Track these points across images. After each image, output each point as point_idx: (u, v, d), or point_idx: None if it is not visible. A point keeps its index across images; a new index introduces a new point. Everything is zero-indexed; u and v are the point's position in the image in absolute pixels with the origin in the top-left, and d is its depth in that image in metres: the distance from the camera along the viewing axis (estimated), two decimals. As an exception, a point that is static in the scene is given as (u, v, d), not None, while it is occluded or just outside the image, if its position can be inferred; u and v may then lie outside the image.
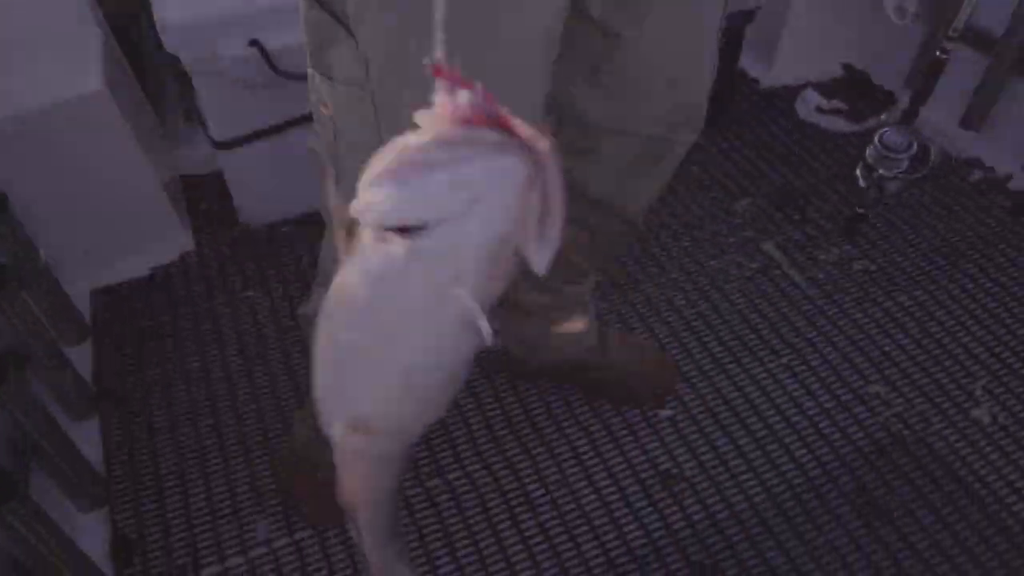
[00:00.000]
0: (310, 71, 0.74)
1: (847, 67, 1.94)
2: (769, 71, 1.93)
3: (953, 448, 1.28)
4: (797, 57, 1.91)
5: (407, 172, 0.36)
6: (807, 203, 1.66)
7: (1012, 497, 1.22)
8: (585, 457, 1.28)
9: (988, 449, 1.28)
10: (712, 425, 1.31)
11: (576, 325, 1.23)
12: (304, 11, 0.70)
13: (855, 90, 1.89)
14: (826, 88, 1.90)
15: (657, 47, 0.86)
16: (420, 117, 0.36)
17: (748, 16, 1.66)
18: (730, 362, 1.40)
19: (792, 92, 1.90)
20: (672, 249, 1.58)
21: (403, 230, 0.37)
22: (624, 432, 1.30)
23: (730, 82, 1.79)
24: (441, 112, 0.36)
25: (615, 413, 1.33)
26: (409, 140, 0.36)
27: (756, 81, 1.94)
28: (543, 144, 0.36)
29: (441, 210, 0.37)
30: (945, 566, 1.15)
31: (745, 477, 1.25)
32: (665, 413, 1.33)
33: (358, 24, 0.65)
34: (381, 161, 0.36)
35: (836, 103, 1.85)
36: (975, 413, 1.32)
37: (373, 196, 0.36)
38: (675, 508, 1.22)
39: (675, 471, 1.26)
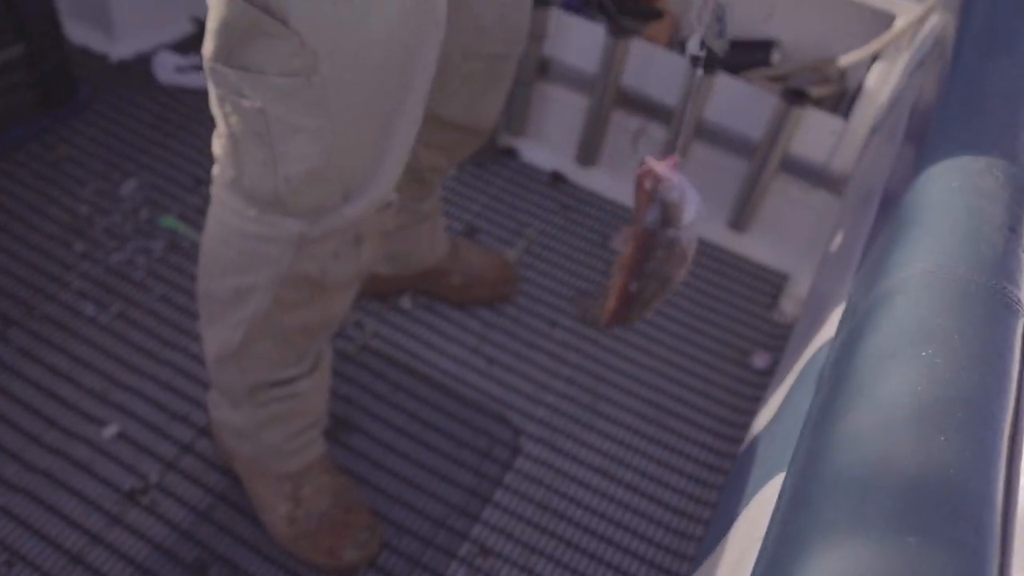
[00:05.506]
0: (217, 67, 0.74)
1: (198, 21, 1.91)
2: (115, 43, 1.80)
3: (395, 344, 1.40)
4: (139, 23, 1.81)
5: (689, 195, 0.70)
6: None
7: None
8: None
9: (410, 327, 1.42)
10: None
11: (432, 234, 1.37)
12: (224, 5, 0.70)
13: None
14: (181, 46, 1.85)
15: None
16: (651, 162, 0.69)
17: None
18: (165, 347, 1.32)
19: (146, 59, 1.81)
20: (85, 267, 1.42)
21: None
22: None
23: (64, 62, 1.62)
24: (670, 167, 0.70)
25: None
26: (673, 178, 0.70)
27: (105, 57, 1.80)
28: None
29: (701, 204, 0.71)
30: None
31: (213, 456, 1.21)
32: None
33: (306, 21, 0.69)
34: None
35: (195, 59, 1.81)
36: (402, 303, 1.46)
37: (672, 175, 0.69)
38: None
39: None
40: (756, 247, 1.65)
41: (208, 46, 0.74)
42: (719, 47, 0.70)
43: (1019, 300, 0.54)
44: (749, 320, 1.54)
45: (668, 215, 0.70)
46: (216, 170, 0.88)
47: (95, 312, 1.36)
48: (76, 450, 1.20)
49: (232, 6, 0.69)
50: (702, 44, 0.70)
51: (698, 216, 0.71)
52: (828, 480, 0.44)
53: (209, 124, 1.64)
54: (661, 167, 0.69)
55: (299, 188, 0.81)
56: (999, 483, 0.44)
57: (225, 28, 0.71)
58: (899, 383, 0.47)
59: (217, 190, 0.89)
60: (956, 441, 0.44)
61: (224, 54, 0.73)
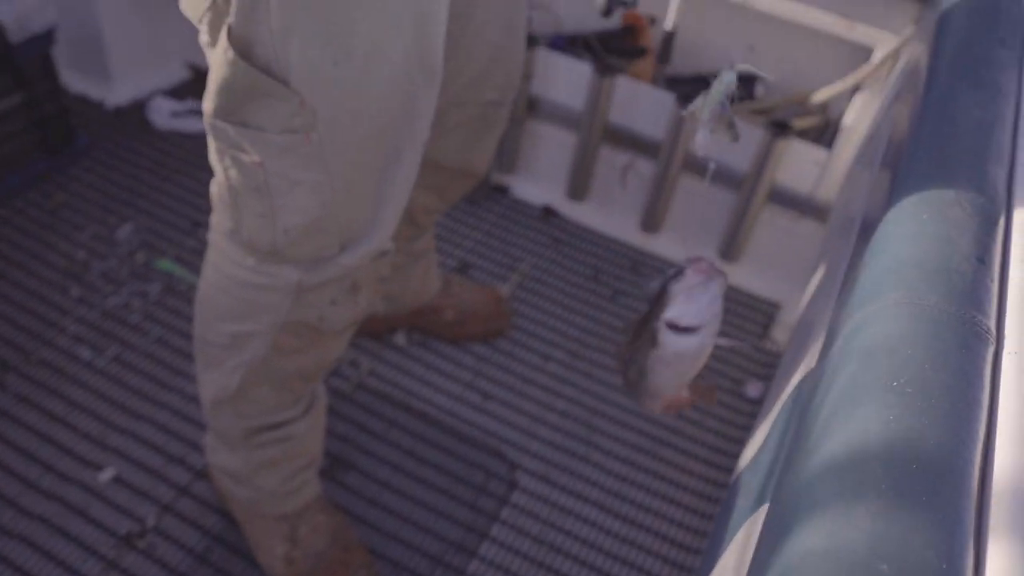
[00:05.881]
0: (217, 123, 0.75)
1: (192, 66, 1.94)
2: (111, 90, 1.84)
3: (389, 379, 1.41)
4: (134, 69, 1.85)
5: (696, 298, 0.68)
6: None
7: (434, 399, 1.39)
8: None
9: (405, 363, 1.43)
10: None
11: (425, 272, 1.39)
12: (226, 66, 0.71)
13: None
14: (176, 91, 1.88)
15: (489, 23, 1.01)
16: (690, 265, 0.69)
17: (45, 40, 1.54)
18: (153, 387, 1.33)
19: (142, 105, 1.84)
20: (80, 310, 1.43)
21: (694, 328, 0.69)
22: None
23: (62, 111, 1.65)
24: (694, 268, 0.68)
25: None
26: (683, 284, 0.68)
27: (101, 104, 1.83)
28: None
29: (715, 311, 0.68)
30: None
31: (209, 497, 1.21)
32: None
33: (307, 81, 0.70)
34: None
35: (191, 104, 1.85)
36: (397, 339, 1.47)
37: (684, 312, 0.68)
38: (147, 566, 1.13)
39: (136, 529, 1.17)
40: (747, 277, 1.66)
41: (209, 104, 0.75)
42: (731, 136, 0.69)
43: (989, 329, 0.55)
44: (742, 349, 1.55)
45: (660, 303, 0.68)
46: (214, 219, 0.89)
47: (91, 356, 1.37)
48: (72, 495, 1.20)
49: (234, 67, 0.70)
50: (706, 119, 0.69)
51: (689, 319, 0.67)
52: (804, 511, 0.45)
53: (205, 167, 1.67)
54: (698, 263, 0.68)
55: (297, 239, 0.82)
56: (971, 511, 0.45)
57: (226, 88, 0.72)
58: (872, 413, 0.48)
59: (215, 238, 0.90)
60: (928, 469, 0.45)
61: (224, 112, 0.74)
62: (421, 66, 0.76)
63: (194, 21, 0.74)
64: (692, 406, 0.78)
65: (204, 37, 0.74)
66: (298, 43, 0.69)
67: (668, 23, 1.49)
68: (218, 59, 0.72)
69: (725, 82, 0.66)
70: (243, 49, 0.70)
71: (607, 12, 1.41)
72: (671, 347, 0.68)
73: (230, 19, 0.69)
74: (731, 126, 0.68)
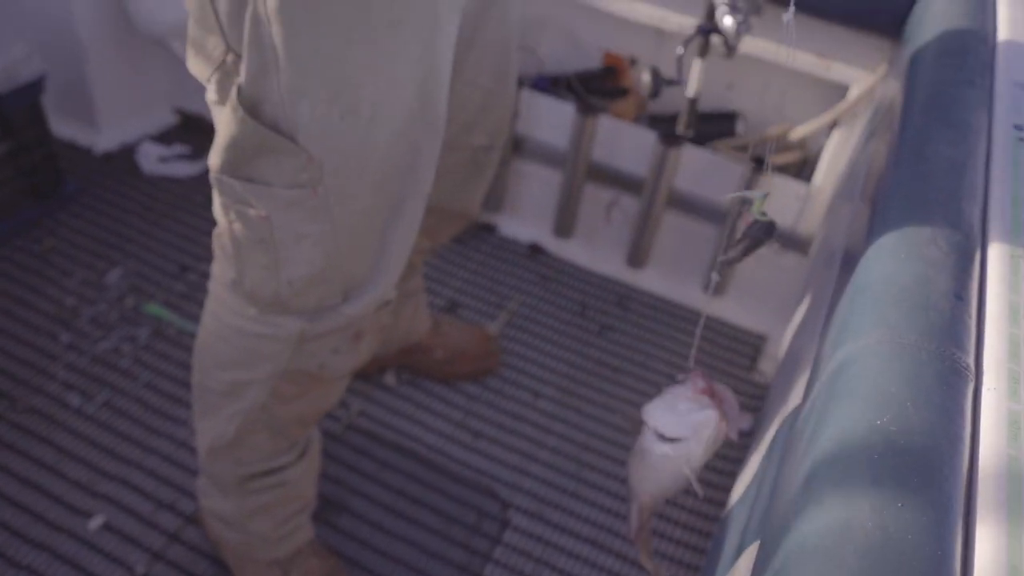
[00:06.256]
0: (224, 178, 0.77)
1: (180, 112, 1.96)
2: (99, 136, 1.85)
3: (383, 423, 1.41)
4: (122, 115, 1.86)
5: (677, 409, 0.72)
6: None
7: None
8: None
9: (395, 403, 1.44)
10: (151, 510, 1.23)
11: (415, 311, 1.40)
12: (235, 124, 0.72)
13: (193, 132, 1.92)
14: (164, 136, 1.90)
15: (482, 70, 1.02)
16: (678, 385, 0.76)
17: (34, 89, 1.56)
18: (147, 435, 1.32)
19: (130, 150, 1.85)
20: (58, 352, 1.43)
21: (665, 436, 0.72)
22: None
23: (51, 157, 1.66)
24: (691, 384, 0.73)
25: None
26: (677, 390, 0.73)
27: (89, 150, 1.84)
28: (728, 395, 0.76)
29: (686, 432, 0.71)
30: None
31: (201, 544, 1.19)
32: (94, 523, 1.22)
33: (314, 137, 0.72)
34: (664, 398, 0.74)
35: (178, 148, 1.86)
36: (386, 379, 1.47)
37: (657, 415, 0.72)
38: None
39: None
40: (733, 310, 1.68)
41: (215, 159, 0.76)
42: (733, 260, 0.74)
43: (968, 366, 0.57)
44: (730, 382, 1.56)
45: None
46: (215, 269, 0.89)
47: (81, 403, 1.37)
48: (62, 544, 1.19)
49: (244, 125, 0.72)
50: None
51: (654, 421, 0.69)
52: (793, 550, 0.46)
53: (192, 211, 1.68)
54: (697, 379, 0.70)
55: (300, 290, 0.83)
56: (956, 546, 0.46)
57: (235, 145, 0.73)
58: (857, 453, 0.49)
59: (216, 289, 0.90)
60: (913, 508, 0.46)
61: (232, 167, 0.75)
62: (424, 120, 0.77)
63: (202, 80, 0.76)
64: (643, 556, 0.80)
65: (212, 96, 0.75)
66: (307, 101, 0.70)
67: (690, 91, 1.51)
68: (227, 117, 0.73)
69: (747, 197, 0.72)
70: (252, 107, 0.71)
71: (654, 94, 1.44)
72: (641, 441, 0.70)
73: (240, 79, 0.71)
74: (733, 264, 0.73)
